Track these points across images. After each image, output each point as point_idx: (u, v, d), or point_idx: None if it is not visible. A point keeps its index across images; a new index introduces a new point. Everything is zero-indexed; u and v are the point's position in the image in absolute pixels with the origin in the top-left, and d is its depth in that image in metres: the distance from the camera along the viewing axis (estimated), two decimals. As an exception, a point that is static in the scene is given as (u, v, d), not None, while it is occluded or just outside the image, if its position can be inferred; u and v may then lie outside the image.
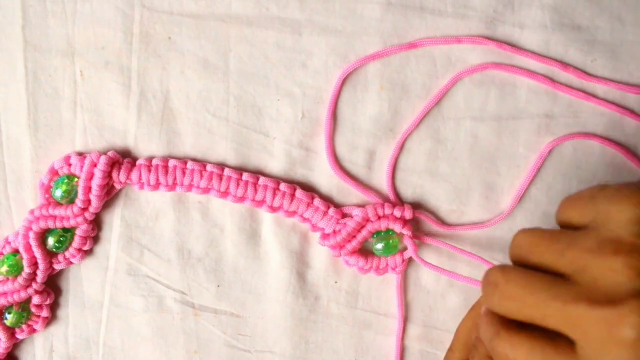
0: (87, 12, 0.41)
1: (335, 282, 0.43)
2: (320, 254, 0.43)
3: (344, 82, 0.42)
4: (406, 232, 0.41)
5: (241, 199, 0.42)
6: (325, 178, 0.43)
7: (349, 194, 0.43)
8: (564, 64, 0.41)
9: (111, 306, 0.44)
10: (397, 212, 0.41)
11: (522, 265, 0.28)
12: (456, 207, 0.43)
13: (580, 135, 0.42)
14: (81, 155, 0.42)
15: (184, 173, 0.42)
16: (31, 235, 0.42)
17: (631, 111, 0.42)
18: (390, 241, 0.42)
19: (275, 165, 0.43)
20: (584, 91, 0.42)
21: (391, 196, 0.42)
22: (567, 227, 0.29)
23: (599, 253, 0.25)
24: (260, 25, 0.41)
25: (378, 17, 0.41)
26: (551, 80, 0.41)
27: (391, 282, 0.43)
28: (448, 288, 0.44)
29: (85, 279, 0.44)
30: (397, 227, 0.41)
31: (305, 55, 0.42)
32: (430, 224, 0.43)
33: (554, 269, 0.27)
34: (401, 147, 0.42)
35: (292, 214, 0.42)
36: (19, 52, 0.42)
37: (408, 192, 0.43)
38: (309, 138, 0.42)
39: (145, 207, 0.43)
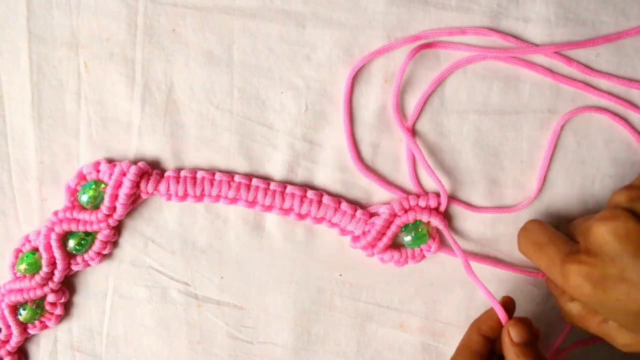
0: (92, 4, 0.41)
1: (340, 275, 0.44)
2: (324, 246, 0.43)
3: (348, 76, 0.42)
4: (434, 219, 0.41)
5: (269, 207, 0.42)
6: (329, 170, 0.43)
7: (353, 186, 0.43)
8: (569, 59, 0.41)
9: (115, 297, 0.44)
10: (422, 203, 0.42)
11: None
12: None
13: (592, 108, 0.42)
14: (111, 162, 0.42)
15: (211, 184, 0.42)
16: (53, 236, 0.42)
17: (634, 105, 0.42)
18: (420, 230, 0.42)
19: (279, 157, 0.43)
20: (586, 83, 0.42)
21: (415, 187, 0.42)
22: None
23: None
24: (264, 17, 0.41)
25: (382, 10, 0.41)
26: (551, 72, 0.41)
27: (395, 275, 0.44)
28: (453, 281, 0.44)
29: (89, 269, 0.44)
30: (424, 217, 0.42)
31: (309, 48, 0.42)
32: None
33: None
34: (413, 134, 0.42)
35: (320, 220, 0.42)
36: (24, 43, 0.42)
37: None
38: (313, 131, 0.42)
39: (150, 198, 0.43)
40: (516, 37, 0.41)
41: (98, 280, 0.44)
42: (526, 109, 0.42)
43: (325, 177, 0.43)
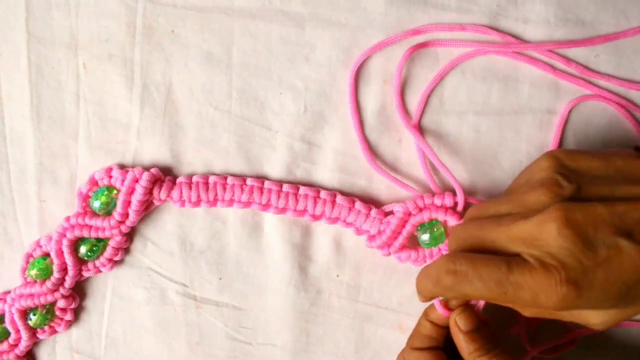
0: (91, 5, 0.41)
1: (337, 275, 0.44)
2: (322, 247, 0.43)
3: (349, 74, 0.42)
4: (450, 218, 0.41)
5: (283, 210, 0.42)
6: (328, 172, 0.43)
7: (352, 187, 0.43)
8: (567, 59, 0.41)
9: (114, 298, 0.44)
10: (437, 201, 0.41)
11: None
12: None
13: (594, 96, 0.41)
14: (123, 168, 0.42)
15: (224, 189, 0.42)
16: (64, 242, 0.42)
17: (634, 104, 0.42)
18: (435, 229, 0.41)
19: (278, 158, 0.43)
20: (585, 80, 0.41)
21: (432, 185, 0.42)
22: None
23: (532, 190, 0.33)
24: (263, 18, 0.41)
25: (382, 10, 0.41)
26: (552, 67, 0.41)
27: (393, 276, 0.44)
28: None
29: (88, 271, 0.44)
30: (440, 216, 0.41)
31: (309, 48, 0.42)
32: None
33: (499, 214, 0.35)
34: (420, 131, 0.42)
35: (334, 220, 0.42)
36: (23, 44, 0.42)
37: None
38: (311, 132, 0.42)
39: (148, 199, 0.43)
40: (515, 37, 0.41)
41: (97, 282, 0.44)
42: (525, 110, 0.42)
43: (324, 178, 0.43)
